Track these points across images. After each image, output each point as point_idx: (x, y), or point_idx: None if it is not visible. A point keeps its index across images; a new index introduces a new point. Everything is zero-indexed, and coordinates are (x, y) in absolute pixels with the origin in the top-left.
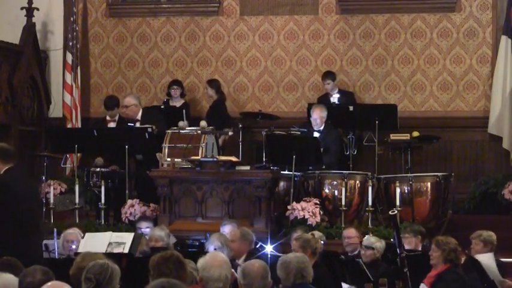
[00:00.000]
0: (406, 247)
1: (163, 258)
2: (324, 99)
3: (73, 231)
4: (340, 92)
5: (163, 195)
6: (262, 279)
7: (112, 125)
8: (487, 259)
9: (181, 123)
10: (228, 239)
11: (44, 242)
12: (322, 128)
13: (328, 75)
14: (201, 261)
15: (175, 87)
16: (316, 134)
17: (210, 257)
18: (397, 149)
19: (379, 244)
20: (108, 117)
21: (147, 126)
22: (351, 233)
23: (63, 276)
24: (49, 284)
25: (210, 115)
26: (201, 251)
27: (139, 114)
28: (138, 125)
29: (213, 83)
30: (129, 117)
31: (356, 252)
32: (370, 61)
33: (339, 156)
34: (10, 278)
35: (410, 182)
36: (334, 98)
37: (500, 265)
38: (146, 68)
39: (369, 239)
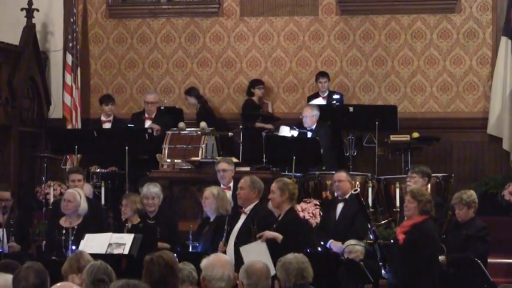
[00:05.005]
0: (413, 186)
1: (151, 261)
2: (314, 98)
3: (72, 191)
4: (330, 93)
5: (164, 196)
6: (266, 279)
7: (107, 125)
8: None
9: (181, 124)
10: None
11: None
12: (314, 127)
13: (324, 73)
14: (204, 261)
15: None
16: (308, 134)
17: (214, 257)
18: (397, 150)
19: (360, 247)
20: (102, 117)
21: (147, 127)
22: (341, 176)
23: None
24: (58, 284)
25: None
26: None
27: (155, 113)
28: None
29: (191, 92)
30: (150, 115)
31: (347, 197)
32: (370, 62)
33: (331, 153)
34: (10, 278)
35: None
36: (334, 98)
37: None
38: (146, 69)
39: (350, 243)
